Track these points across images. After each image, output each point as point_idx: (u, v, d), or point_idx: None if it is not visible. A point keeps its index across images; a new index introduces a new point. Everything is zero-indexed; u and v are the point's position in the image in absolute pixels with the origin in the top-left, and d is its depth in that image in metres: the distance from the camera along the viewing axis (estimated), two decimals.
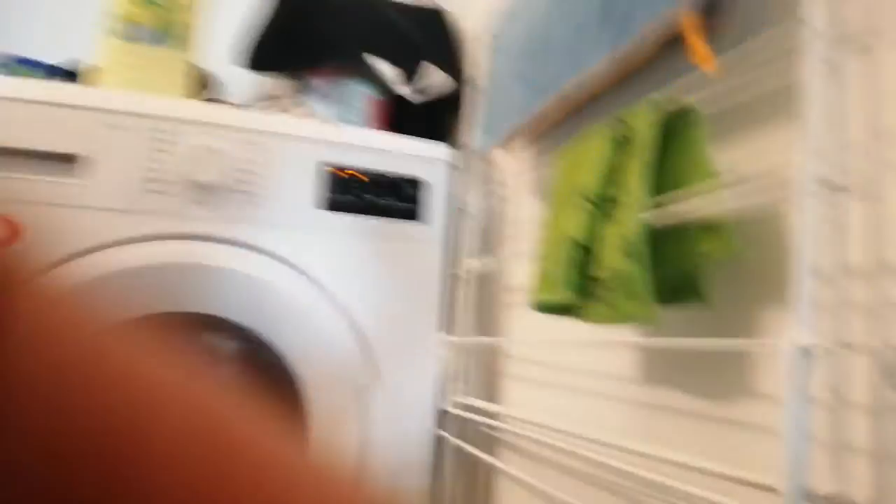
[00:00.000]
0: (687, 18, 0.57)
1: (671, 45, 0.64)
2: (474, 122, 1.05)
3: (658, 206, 0.59)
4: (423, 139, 1.13)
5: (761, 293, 0.57)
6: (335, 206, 1.05)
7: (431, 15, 1.26)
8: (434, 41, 1.22)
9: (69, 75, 1.29)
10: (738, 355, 0.60)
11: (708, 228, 0.58)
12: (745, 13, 0.63)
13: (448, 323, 1.12)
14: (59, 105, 0.94)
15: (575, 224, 0.68)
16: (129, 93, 0.98)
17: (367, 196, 1.07)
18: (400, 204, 1.09)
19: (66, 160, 0.94)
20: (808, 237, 0.45)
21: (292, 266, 1.02)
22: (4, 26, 1.52)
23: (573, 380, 0.87)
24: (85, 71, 1.25)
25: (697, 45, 0.56)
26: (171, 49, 1.07)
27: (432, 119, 1.24)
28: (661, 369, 0.70)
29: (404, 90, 1.16)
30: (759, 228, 0.58)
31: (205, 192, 0.98)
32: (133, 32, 1.05)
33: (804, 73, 0.47)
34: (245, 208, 1.00)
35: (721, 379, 0.61)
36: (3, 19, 1.53)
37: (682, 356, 0.67)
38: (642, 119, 0.63)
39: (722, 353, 0.62)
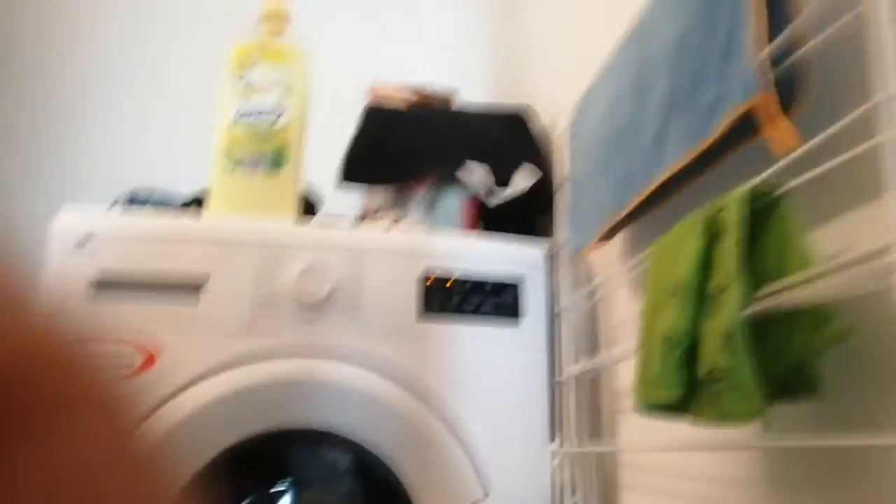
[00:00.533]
0: (765, 101, 0.56)
1: (752, 130, 0.62)
2: (565, 219, 1.05)
3: (757, 296, 0.56)
4: (518, 238, 1.14)
5: (881, 380, 0.52)
6: (437, 315, 1.07)
7: (515, 116, 1.30)
8: (520, 141, 1.25)
9: (196, 204, 1.42)
10: (862, 452, 0.54)
11: (813, 315, 0.54)
12: (822, 95, 0.60)
13: (556, 430, 1.08)
14: (176, 237, 1.03)
15: (672, 320, 0.66)
16: (240, 219, 1.07)
17: (467, 302, 1.08)
18: (500, 308, 1.09)
19: (187, 288, 1.01)
20: None
21: (399, 379, 1.03)
22: (134, 161, 1.70)
23: (689, 485, 0.81)
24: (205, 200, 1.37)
25: (778, 127, 0.55)
26: (277, 174, 1.15)
27: (525, 217, 1.25)
28: (779, 471, 0.64)
29: (496, 191, 1.18)
30: (870, 307, 0.54)
31: (313, 309, 1.03)
32: (239, 161, 1.15)
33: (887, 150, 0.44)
34: (351, 323, 1.04)
35: (847, 480, 0.55)
36: (126, 153, 1.71)
37: (797, 456, 0.61)
38: (732, 208, 0.61)
39: (845, 450, 0.56)
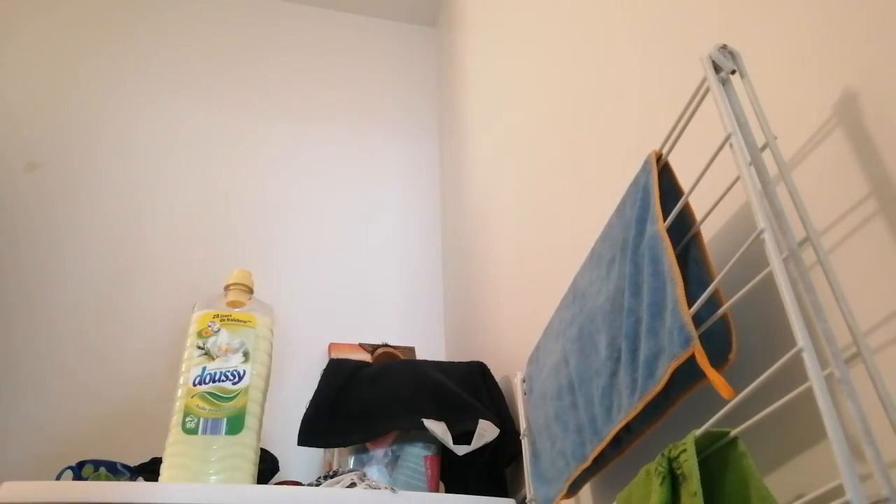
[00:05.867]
0: (695, 354, 0.60)
1: (697, 377, 0.66)
2: (528, 473, 1.03)
3: None
4: (486, 494, 1.10)
5: None
6: None
7: (473, 369, 1.33)
8: (479, 394, 1.26)
9: (147, 471, 1.35)
10: None
11: None
12: (751, 344, 0.65)
13: None
14: None
15: None
16: (197, 486, 1.04)
17: None
18: None
19: None
20: None
21: None
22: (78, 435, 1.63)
23: None
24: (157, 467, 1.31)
25: (712, 377, 0.58)
26: (235, 439, 1.13)
27: (491, 471, 1.22)
28: None
29: (458, 446, 1.16)
30: None
31: None
32: (195, 424, 1.12)
33: (816, 394, 0.47)
34: None
35: None
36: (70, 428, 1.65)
37: None
38: (689, 454, 0.62)
39: None
